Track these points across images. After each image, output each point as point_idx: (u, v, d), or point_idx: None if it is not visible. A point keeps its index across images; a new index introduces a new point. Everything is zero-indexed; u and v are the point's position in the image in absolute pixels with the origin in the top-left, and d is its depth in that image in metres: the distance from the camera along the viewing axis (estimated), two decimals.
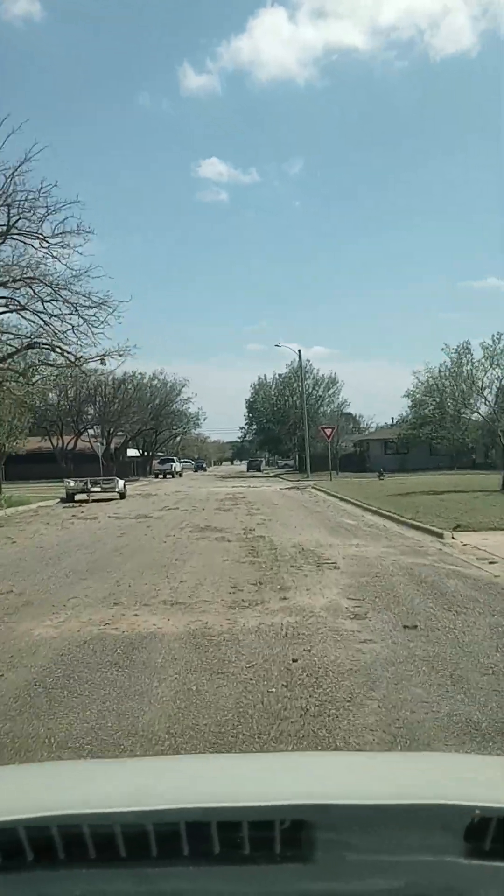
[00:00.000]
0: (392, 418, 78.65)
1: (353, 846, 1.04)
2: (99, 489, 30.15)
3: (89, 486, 29.85)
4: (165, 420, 64.92)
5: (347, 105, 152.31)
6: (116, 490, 30.63)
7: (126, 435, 65.13)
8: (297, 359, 51.86)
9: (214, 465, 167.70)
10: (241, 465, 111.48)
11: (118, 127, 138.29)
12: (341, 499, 24.39)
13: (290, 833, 1.03)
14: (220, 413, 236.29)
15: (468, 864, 1.01)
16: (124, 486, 31.74)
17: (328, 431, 40.27)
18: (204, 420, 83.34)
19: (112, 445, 63.61)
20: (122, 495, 30.73)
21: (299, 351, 50.34)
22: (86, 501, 28.65)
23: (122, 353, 25.74)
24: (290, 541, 13.54)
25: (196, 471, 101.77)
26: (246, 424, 72.08)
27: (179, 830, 1.03)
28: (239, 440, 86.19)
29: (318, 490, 31.77)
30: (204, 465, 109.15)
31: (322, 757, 2.72)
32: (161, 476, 68.17)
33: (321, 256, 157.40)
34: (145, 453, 79.35)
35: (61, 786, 1.46)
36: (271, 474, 75.51)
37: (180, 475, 72.71)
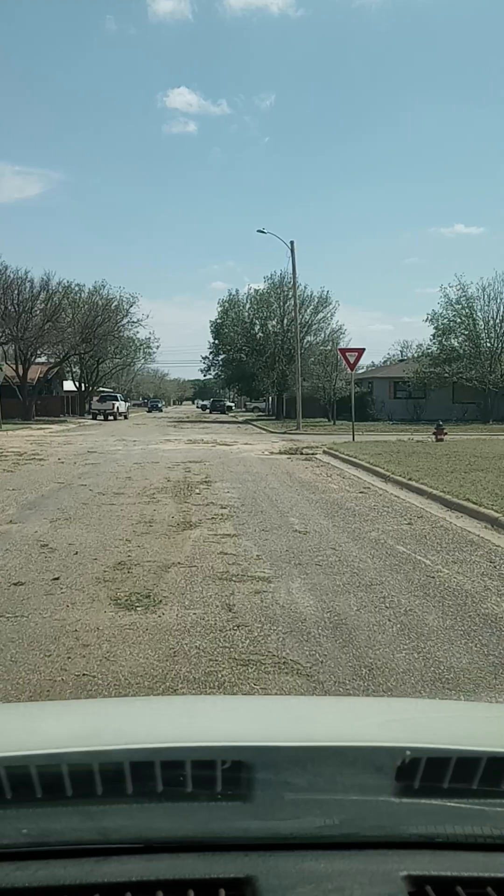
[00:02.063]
0: (401, 351, 64.04)
1: (291, 786, 1.08)
2: None
3: None
4: (104, 343, 49.01)
5: (322, 38, 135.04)
6: None
7: (54, 360, 49.38)
8: (290, 263, 36.23)
9: (174, 404, 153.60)
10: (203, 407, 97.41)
11: (81, 54, 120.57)
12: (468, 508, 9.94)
13: (230, 773, 1.06)
14: (181, 350, 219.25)
15: (399, 803, 1.05)
16: None
17: (354, 355, 25.35)
18: (157, 348, 67.62)
19: (36, 375, 47.97)
20: None
21: (291, 244, 34.58)
22: None
23: None
24: None
25: (150, 411, 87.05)
26: (210, 354, 56.68)
27: (124, 770, 1.05)
28: (202, 374, 69.90)
29: (349, 461, 17.03)
30: (160, 405, 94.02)
31: (264, 700, 2.77)
32: (101, 417, 53.03)
33: (289, 198, 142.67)
34: (86, 388, 63.70)
35: (9, 728, 1.45)
36: (240, 418, 60.64)
37: (125, 417, 57.58)
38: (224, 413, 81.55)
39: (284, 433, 32.60)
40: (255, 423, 46.58)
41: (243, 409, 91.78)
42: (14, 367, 45.10)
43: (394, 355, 69.55)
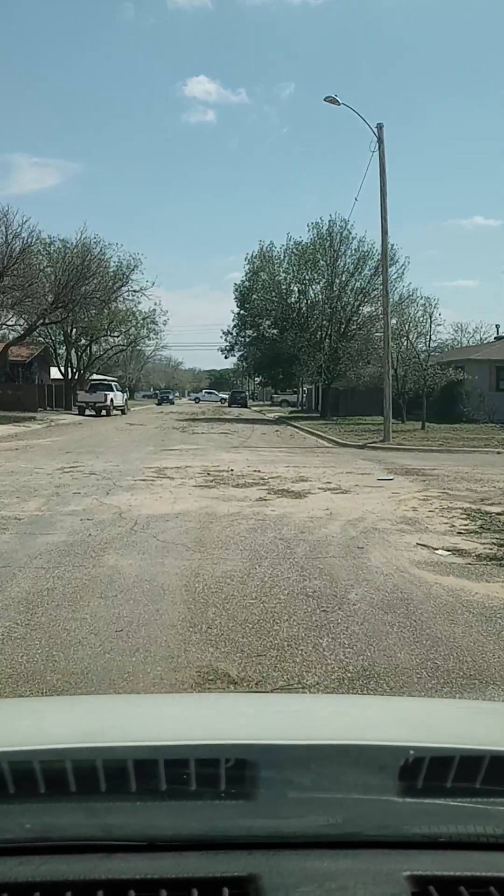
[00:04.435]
0: (497, 328, 49.99)
1: (294, 784, 1.08)
2: None
3: None
4: (86, 308, 35.23)
5: (343, 27, 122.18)
6: None
7: (24, 328, 35.94)
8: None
9: (189, 396, 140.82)
10: (219, 399, 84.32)
11: (99, 43, 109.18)
12: None
13: (234, 771, 1.06)
14: (197, 346, 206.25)
15: (402, 802, 1.05)
16: None
17: None
18: (165, 324, 54.07)
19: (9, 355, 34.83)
20: None
21: (379, 128, 20.34)
22: None
23: None
24: None
25: (160, 404, 73.73)
26: (234, 328, 42.88)
27: (127, 767, 1.05)
28: (222, 355, 55.42)
29: None
30: (171, 397, 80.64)
31: (267, 698, 2.80)
32: (92, 412, 39.97)
33: (308, 188, 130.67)
34: (74, 375, 50.43)
35: (13, 723, 1.45)
36: (268, 415, 47.16)
37: (122, 412, 44.36)
38: (245, 407, 68.31)
39: (365, 446, 19.22)
40: (294, 422, 33.15)
41: (268, 403, 78.31)
42: None
43: (487, 333, 55.48)
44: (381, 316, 36.55)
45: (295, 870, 0.95)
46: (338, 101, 19.09)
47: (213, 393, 76.53)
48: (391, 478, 12.25)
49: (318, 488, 10.74)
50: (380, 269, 37.21)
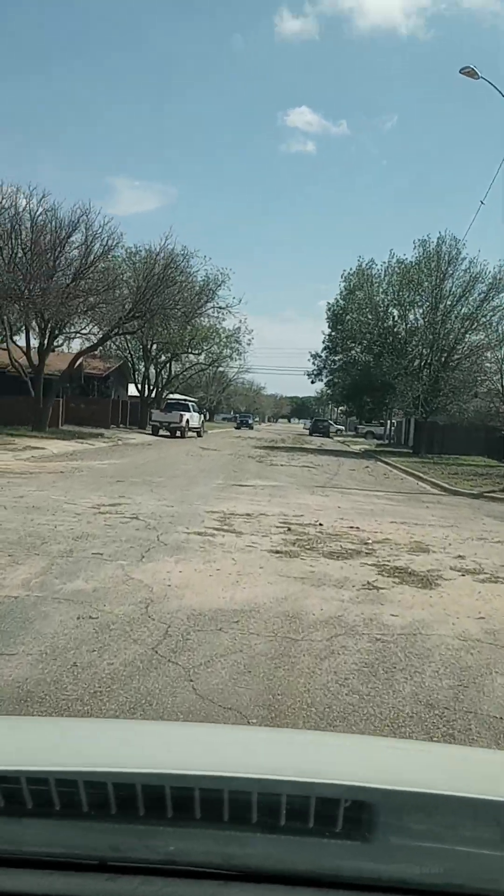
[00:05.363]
0: None
1: (409, 831, 1.09)
2: None
3: None
4: (163, 319, 32.49)
5: (452, 62, 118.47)
6: None
7: (96, 337, 33.65)
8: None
9: (269, 421, 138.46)
10: (301, 425, 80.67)
11: (206, 72, 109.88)
12: None
13: (351, 812, 1.08)
14: (283, 370, 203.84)
15: None
16: None
17: None
18: (249, 344, 51.20)
19: (67, 364, 32.75)
20: None
21: None
22: None
23: None
24: None
25: (238, 427, 71.17)
26: (324, 351, 39.45)
27: (238, 798, 1.08)
28: (309, 379, 51.43)
29: None
30: (250, 421, 77.98)
31: (381, 742, 2.68)
32: (166, 432, 37.70)
33: (403, 219, 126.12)
34: (151, 392, 48.20)
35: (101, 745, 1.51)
36: (353, 447, 43.55)
37: (198, 434, 41.73)
38: (327, 436, 64.83)
39: (481, 496, 15.52)
40: (384, 458, 29.53)
41: (352, 433, 74.59)
42: (27, 348, 29.82)
43: None
44: (494, 345, 32.84)
45: None
46: (476, 73, 15.83)
47: (325, 422, 73.11)
48: None
49: (451, 567, 7.30)
50: (491, 295, 33.52)
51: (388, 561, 7.36)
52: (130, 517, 9.06)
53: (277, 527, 9.12)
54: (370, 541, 8.54)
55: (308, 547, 7.86)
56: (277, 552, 7.43)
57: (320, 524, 9.56)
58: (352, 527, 9.54)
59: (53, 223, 27.20)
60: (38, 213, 26.85)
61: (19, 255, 26.25)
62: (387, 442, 51.22)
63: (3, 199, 26.07)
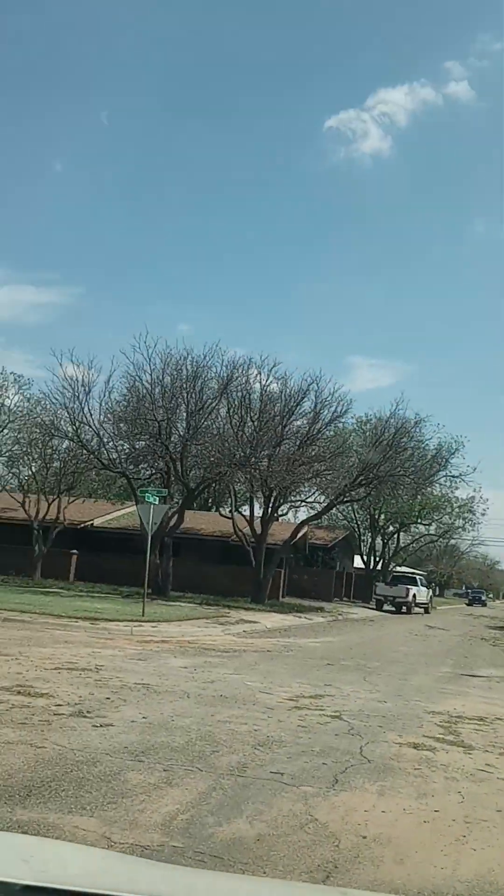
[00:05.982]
0: None
1: None
2: None
3: None
4: (394, 486, 30.86)
5: None
6: None
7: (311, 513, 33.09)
8: None
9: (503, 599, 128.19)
10: None
11: (451, 257, 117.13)
12: None
13: None
14: None
15: None
16: None
17: None
18: (483, 514, 47.93)
19: (289, 534, 32.51)
20: None
21: None
22: None
23: None
24: None
25: (470, 604, 66.24)
26: None
27: None
28: None
29: None
30: (483, 598, 72.31)
31: None
32: (391, 607, 35.86)
33: None
34: (378, 564, 46.41)
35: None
36: None
37: (426, 610, 38.92)
38: None
39: None
40: None
41: None
42: (250, 517, 29.96)
43: None
44: None
45: None
46: None
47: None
48: None
49: None
50: None
51: None
52: (332, 716, 7.54)
53: None
54: None
55: None
56: None
57: None
58: None
59: (284, 392, 27.94)
60: (268, 382, 27.78)
61: (248, 424, 26.98)
62: None
63: (236, 370, 27.22)
